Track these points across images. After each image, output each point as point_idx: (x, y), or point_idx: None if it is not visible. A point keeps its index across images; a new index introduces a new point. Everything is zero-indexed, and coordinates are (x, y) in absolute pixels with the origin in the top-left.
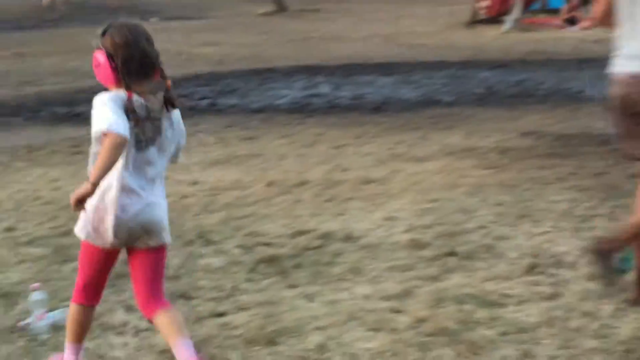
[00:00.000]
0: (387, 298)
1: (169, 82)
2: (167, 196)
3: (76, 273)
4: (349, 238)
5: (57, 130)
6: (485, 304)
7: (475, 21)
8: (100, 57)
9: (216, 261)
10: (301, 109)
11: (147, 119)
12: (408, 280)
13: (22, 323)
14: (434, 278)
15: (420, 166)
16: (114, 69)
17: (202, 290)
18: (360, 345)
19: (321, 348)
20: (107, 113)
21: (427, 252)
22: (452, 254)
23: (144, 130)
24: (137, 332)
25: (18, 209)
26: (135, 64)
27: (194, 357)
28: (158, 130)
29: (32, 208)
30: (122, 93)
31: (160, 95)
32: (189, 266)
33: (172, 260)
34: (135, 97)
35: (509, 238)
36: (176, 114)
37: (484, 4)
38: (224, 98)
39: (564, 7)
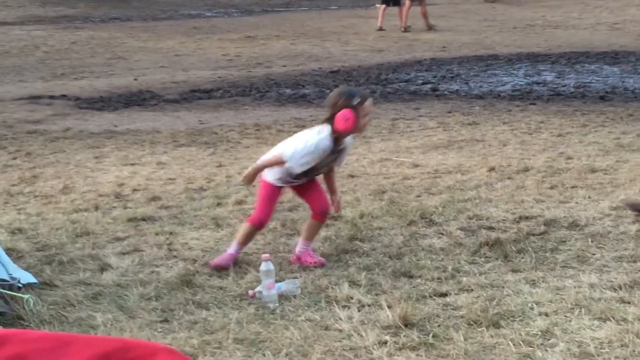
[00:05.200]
0: (615, 288)
1: None
2: (390, 177)
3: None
4: (574, 226)
5: (284, 110)
6: None
7: None
8: (351, 115)
9: (439, 242)
10: (523, 96)
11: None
12: (636, 271)
13: (252, 291)
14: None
15: None
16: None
17: (425, 269)
18: (587, 333)
19: (546, 333)
20: (303, 153)
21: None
22: None
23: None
24: (362, 306)
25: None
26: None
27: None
28: (335, 160)
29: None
30: (330, 141)
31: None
32: (411, 245)
33: (395, 238)
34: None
35: None
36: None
37: None
38: (445, 84)
39: None
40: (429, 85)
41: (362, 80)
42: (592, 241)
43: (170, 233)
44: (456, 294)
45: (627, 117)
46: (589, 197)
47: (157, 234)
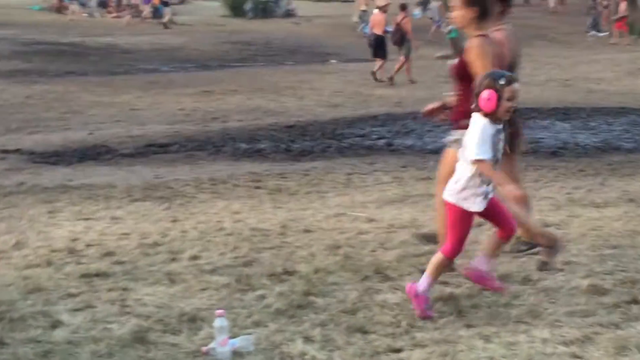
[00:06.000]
0: (567, 343)
1: None
2: (345, 231)
3: (258, 301)
4: (527, 280)
5: (239, 164)
6: None
7: None
8: (493, 95)
9: (393, 297)
10: None
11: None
12: (588, 326)
13: (205, 348)
14: (616, 325)
15: (599, 212)
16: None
17: (379, 325)
18: None
19: None
20: (478, 139)
21: (607, 299)
22: (634, 301)
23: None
24: None
25: (202, 238)
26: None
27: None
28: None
29: (216, 238)
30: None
31: None
32: (366, 301)
33: (350, 294)
34: None
35: None
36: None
37: None
38: (400, 138)
39: None
40: (383, 140)
41: (317, 135)
42: (544, 296)
43: (124, 289)
44: (410, 350)
45: (578, 172)
46: None
47: (110, 289)
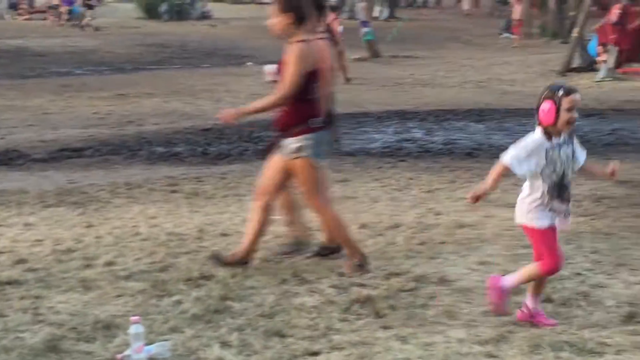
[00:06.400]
0: (482, 343)
1: None
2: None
3: (174, 307)
4: (443, 281)
5: (156, 168)
6: (583, 352)
7: (568, 70)
8: (551, 106)
9: (310, 300)
10: (393, 153)
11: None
12: (503, 325)
13: (120, 355)
14: (530, 324)
15: (514, 212)
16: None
17: (297, 328)
18: None
19: None
20: (522, 151)
21: (522, 298)
22: (548, 300)
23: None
24: None
25: (117, 244)
26: None
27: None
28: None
29: (131, 243)
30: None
31: None
32: (283, 304)
33: (268, 297)
34: None
35: (605, 286)
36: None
37: (603, 57)
38: None
39: None
40: None
41: (234, 138)
42: (460, 296)
43: (36, 297)
44: (328, 352)
45: None
46: (457, 252)
47: (22, 298)
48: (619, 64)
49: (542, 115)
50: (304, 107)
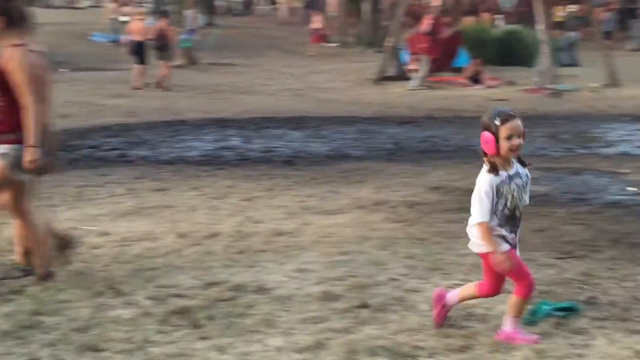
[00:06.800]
0: (300, 350)
1: None
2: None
3: None
4: (261, 290)
5: None
6: (398, 356)
7: (383, 78)
8: (489, 137)
9: (126, 312)
10: (212, 162)
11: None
12: (321, 332)
13: None
14: (347, 330)
15: (331, 219)
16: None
17: (112, 342)
18: None
19: None
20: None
21: (339, 304)
22: (364, 306)
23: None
24: None
25: None
26: None
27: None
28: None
29: None
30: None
31: None
32: (98, 318)
33: (82, 311)
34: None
35: (420, 291)
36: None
37: (413, 66)
38: (134, 149)
39: (469, 65)
40: (117, 152)
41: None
42: (278, 304)
43: None
44: None
45: (311, 181)
46: (275, 260)
47: None
48: (431, 73)
49: (483, 146)
50: (18, 115)
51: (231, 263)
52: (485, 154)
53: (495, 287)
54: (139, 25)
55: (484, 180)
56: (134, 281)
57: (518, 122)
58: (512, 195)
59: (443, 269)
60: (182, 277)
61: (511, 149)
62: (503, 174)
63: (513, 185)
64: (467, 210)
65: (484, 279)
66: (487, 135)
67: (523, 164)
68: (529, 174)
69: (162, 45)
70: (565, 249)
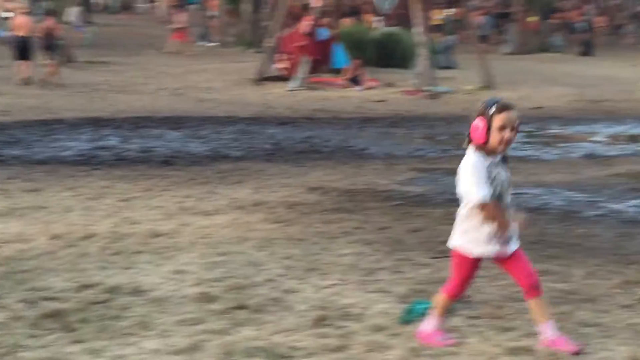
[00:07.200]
0: (176, 352)
1: None
2: None
3: None
4: (137, 292)
5: None
6: (274, 357)
7: (263, 78)
8: (481, 123)
9: None
10: (88, 161)
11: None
12: (197, 334)
13: None
14: (224, 331)
15: (209, 220)
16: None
17: None
18: None
19: None
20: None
21: (216, 306)
22: (241, 307)
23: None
24: None
25: None
26: None
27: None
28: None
29: None
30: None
31: None
32: None
33: None
34: None
35: (297, 291)
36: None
37: (281, 65)
38: (6, 149)
39: (348, 66)
40: None
41: None
42: (154, 306)
43: None
44: None
45: (189, 181)
46: (152, 261)
47: None
48: (310, 74)
49: (472, 133)
50: None
51: (106, 265)
52: (470, 141)
53: (463, 287)
54: (24, 20)
55: (473, 158)
56: (5, 284)
57: (514, 115)
58: (501, 182)
59: (320, 269)
60: (55, 280)
61: (501, 143)
62: (490, 158)
63: (502, 173)
64: (345, 210)
65: (451, 279)
66: (479, 121)
67: (505, 160)
68: (510, 177)
69: (50, 44)
70: (440, 248)
